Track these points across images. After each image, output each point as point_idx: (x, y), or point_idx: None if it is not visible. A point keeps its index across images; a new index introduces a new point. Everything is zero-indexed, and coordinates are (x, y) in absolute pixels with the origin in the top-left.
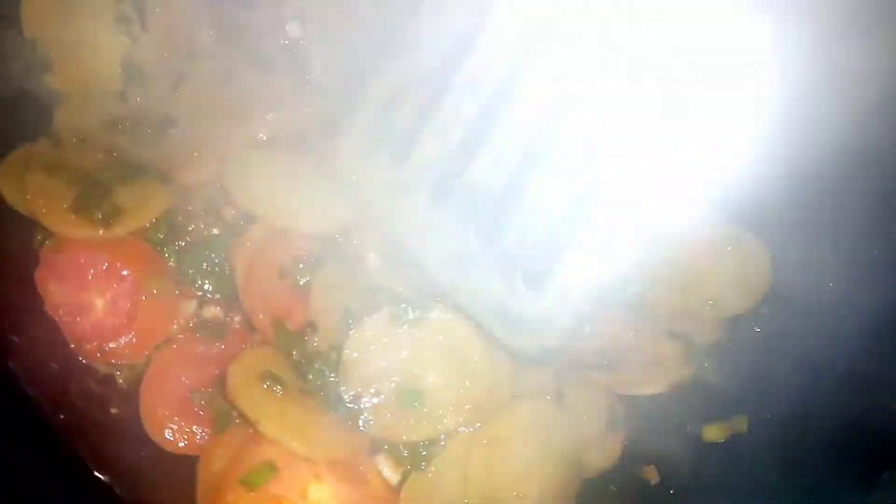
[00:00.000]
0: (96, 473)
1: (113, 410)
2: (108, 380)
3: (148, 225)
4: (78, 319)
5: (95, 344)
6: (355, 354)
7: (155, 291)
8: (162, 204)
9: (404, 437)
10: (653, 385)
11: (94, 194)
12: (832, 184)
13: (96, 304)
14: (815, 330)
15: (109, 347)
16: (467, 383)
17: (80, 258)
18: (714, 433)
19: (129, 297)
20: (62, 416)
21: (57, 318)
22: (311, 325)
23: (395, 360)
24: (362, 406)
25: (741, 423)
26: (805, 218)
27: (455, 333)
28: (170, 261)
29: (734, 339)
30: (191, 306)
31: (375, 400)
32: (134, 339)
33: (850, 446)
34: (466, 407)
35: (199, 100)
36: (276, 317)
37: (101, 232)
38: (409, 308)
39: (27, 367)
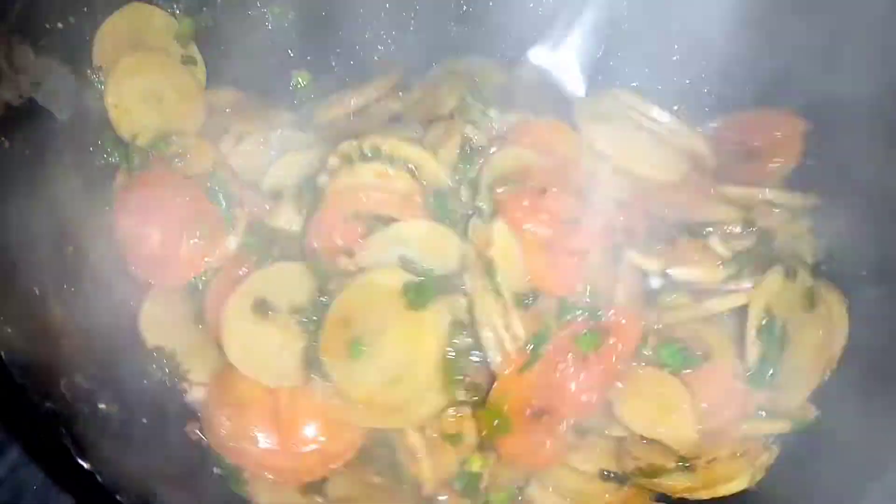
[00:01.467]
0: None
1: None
2: None
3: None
4: (138, 246)
5: (144, 270)
6: None
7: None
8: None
9: None
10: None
11: None
12: None
13: (153, 236)
14: None
15: (155, 273)
16: None
17: (149, 193)
18: None
19: (181, 234)
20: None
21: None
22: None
23: None
24: None
25: None
26: None
27: None
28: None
29: None
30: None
31: None
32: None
33: None
34: None
35: None
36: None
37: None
38: None
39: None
